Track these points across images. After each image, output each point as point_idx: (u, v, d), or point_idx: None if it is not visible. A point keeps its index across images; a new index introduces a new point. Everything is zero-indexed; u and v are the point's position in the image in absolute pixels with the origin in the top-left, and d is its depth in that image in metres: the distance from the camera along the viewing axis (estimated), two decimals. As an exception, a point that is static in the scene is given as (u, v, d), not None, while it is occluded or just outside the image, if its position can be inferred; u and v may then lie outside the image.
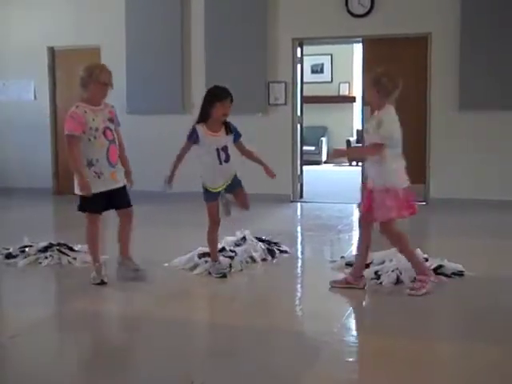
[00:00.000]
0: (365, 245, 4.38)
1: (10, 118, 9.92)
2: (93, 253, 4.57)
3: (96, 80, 4.36)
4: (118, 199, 4.49)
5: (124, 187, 4.54)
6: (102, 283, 4.46)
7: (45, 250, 5.25)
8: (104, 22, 9.32)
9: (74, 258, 5.15)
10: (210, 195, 4.61)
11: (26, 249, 5.29)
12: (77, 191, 4.40)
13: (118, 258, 4.62)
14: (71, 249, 5.29)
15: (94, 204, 4.40)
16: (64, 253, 5.21)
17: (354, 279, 4.33)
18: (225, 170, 4.55)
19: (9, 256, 5.23)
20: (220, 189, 4.59)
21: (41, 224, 7.32)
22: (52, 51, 9.81)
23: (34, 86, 9.85)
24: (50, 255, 5.16)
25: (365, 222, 4.32)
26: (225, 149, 4.52)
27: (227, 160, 4.53)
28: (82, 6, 9.42)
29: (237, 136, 4.60)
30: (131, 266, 4.54)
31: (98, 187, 4.34)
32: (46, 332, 3.69)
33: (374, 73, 4.20)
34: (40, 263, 5.09)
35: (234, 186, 4.64)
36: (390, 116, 4.12)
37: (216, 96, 4.48)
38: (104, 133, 4.36)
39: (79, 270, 4.99)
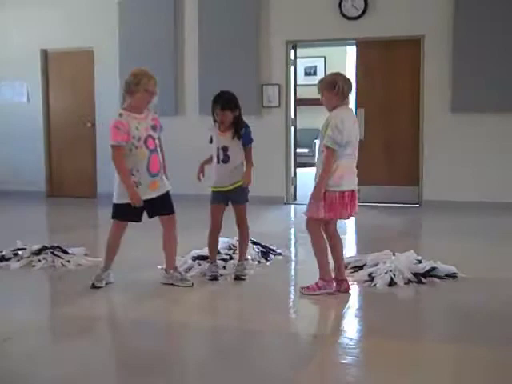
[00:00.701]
0: (331, 247, 4.39)
1: (3, 120, 9.89)
2: (108, 258, 4.50)
3: (144, 89, 4.27)
4: (158, 206, 4.40)
5: (166, 193, 4.44)
6: (96, 287, 4.43)
7: (38, 252, 5.24)
8: (97, 24, 9.32)
9: (68, 261, 5.14)
10: (213, 196, 4.64)
11: (20, 251, 5.28)
12: (116, 200, 4.35)
13: (163, 267, 4.60)
14: (65, 251, 5.28)
15: (129, 213, 4.34)
16: (57, 255, 5.20)
17: (325, 282, 4.33)
18: (222, 170, 4.59)
19: (2, 259, 5.21)
20: (219, 189, 4.60)
21: (34, 227, 7.30)
22: (45, 54, 9.80)
23: (27, 88, 9.83)
24: (44, 258, 5.15)
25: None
26: (224, 149, 4.56)
27: (225, 161, 4.57)
28: (75, 8, 9.42)
29: (246, 141, 4.63)
30: (178, 277, 4.50)
31: None
32: (38, 335, 3.68)
33: (329, 77, 4.26)
34: (33, 266, 5.08)
35: (238, 199, 4.65)
36: (340, 117, 4.10)
37: (212, 103, 4.58)
38: (146, 142, 4.28)
39: (73, 272, 4.98)
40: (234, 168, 4.60)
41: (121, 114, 4.28)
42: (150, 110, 4.43)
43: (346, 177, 4.15)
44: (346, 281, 4.36)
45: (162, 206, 4.43)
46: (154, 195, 4.34)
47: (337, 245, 4.39)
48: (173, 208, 4.49)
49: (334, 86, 4.13)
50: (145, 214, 4.45)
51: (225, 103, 4.54)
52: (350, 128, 4.14)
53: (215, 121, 4.62)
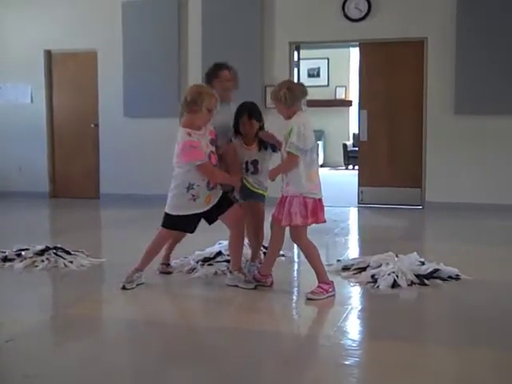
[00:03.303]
0: (275, 246, 4.42)
1: (7, 121, 9.90)
2: (145, 261, 4.49)
3: (206, 108, 4.22)
4: (215, 210, 4.38)
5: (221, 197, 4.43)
6: (126, 289, 4.39)
7: (41, 253, 5.24)
8: (101, 26, 9.34)
9: (71, 262, 5.15)
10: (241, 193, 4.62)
11: (23, 252, 5.29)
12: (171, 211, 4.36)
13: (230, 268, 4.59)
14: (68, 252, 5.29)
15: (183, 224, 4.38)
16: (60, 256, 5.20)
17: (261, 276, 4.44)
18: (251, 179, 4.59)
19: (5, 259, 5.22)
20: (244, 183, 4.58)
21: (37, 227, 7.32)
22: (49, 55, 9.82)
23: (30, 89, 9.84)
24: (47, 258, 5.15)
25: (276, 225, 4.32)
26: (254, 162, 4.56)
27: (254, 172, 4.58)
28: (79, 10, 9.43)
29: (274, 150, 4.60)
30: (242, 278, 4.47)
31: (191, 209, 4.31)
32: (41, 336, 3.69)
33: (275, 87, 4.26)
34: (36, 266, 5.08)
35: (257, 197, 4.64)
36: (301, 123, 4.14)
37: (236, 113, 4.55)
38: (209, 158, 4.29)
39: (76, 273, 4.98)
40: (262, 177, 4.60)
41: (190, 134, 4.23)
42: (207, 125, 4.40)
43: (318, 185, 4.23)
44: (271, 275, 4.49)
45: (218, 208, 4.39)
46: (206, 208, 4.34)
47: (281, 247, 4.50)
48: (230, 202, 4.45)
49: (277, 97, 4.16)
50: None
51: (251, 112, 4.51)
52: (311, 133, 4.20)
53: (238, 133, 4.56)
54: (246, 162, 4.56)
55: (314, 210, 4.18)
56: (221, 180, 4.35)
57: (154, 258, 4.58)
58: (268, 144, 4.59)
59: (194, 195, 4.29)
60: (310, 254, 4.31)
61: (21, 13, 9.74)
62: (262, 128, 4.59)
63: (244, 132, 4.54)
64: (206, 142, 4.31)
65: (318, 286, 4.24)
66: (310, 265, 4.33)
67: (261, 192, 4.64)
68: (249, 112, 4.51)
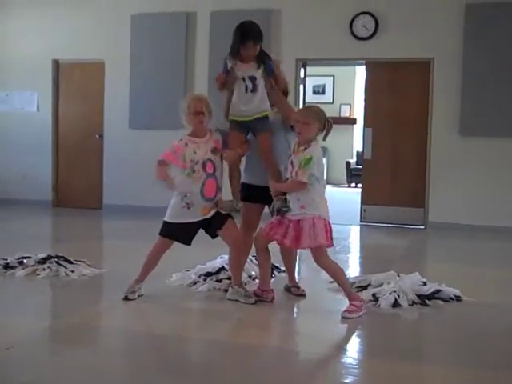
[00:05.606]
0: (265, 259, 4.45)
1: (13, 129, 9.96)
2: (144, 272, 4.50)
3: (190, 111, 4.32)
4: (213, 224, 4.38)
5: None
6: (128, 299, 4.40)
7: (43, 261, 5.24)
8: (109, 37, 9.41)
9: (72, 271, 5.14)
10: (232, 126, 4.46)
11: (25, 260, 5.29)
12: (169, 219, 4.38)
13: (231, 283, 4.58)
14: (69, 261, 5.29)
15: (179, 234, 4.38)
16: (62, 265, 5.20)
17: (262, 292, 4.47)
18: (249, 99, 4.41)
19: (7, 267, 5.22)
20: (243, 119, 4.42)
21: (39, 236, 7.32)
22: (56, 64, 9.88)
23: (37, 97, 9.89)
24: (49, 267, 5.15)
25: (262, 240, 4.34)
26: (251, 78, 4.40)
27: (253, 90, 4.40)
28: (88, 20, 9.51)
29: (269, 71, 4.44)
30: (242, 293, 4.46)
31: (184, 217, 4.33)
32: (41, 344, 3.68)
33: (320, 111, 4.21)
34: (38, 275, 5.08)
35: (262, 126, 4.42)
36: (319, 153, 4.17)
37: (237, 35, 4.50)
38: (204, 166, 4.31)
39: (77, 282, 4.98)
40: (262, 98, 4.43)
41: (181, 139, 4.35)
42: (212, 133, 4.41)
43: None
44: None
45: (215, 222, 4.38)
46: (200, 218, 4.35)
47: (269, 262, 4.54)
48: (226, 216, 4.40)
49: (322, 122, 4.14)
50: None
51: (257, 37, 4.41)
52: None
53: (236, 54, 4.42)
54: (243, 78, 4.39)
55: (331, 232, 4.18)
56: (158, 176, 4.28)
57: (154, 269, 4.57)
58: (266, 61, 4.43)
59: (188, 203, 4.31)
60: (335, 272, 4.24)
61: (30, 22, 9.82)
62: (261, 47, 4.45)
63: (246, 55, 4.41)
64: (205, 149, 4.33)
65: (351, 304, 4.18)
66: (339, 285, 4.28)
67: (264, 113, 4.43)
68: (254, 37, 4.43)
